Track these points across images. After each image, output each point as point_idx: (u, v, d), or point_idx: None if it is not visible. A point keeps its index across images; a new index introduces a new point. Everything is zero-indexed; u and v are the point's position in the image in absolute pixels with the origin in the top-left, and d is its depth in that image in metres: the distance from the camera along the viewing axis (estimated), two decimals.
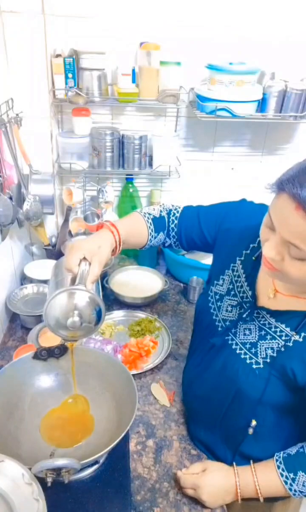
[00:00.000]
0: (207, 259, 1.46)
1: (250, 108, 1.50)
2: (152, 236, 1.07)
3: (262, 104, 1.53)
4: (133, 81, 1.51)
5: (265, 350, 0.87)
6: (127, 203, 1.80)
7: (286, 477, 0.87)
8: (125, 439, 1.00)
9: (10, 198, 1.28)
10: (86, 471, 0.90)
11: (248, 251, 0.95)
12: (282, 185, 0.67)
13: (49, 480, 0.73)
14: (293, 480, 0.86)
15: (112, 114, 1.68)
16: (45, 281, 1.52)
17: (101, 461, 0.91)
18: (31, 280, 1.53)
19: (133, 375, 0.97)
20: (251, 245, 0.95)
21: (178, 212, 1.11)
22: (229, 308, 0.96)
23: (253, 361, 0.89)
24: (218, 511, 0.94)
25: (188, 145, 1.76)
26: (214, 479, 0.93)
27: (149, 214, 1.08)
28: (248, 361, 0.89)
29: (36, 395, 1.00)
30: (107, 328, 1.43)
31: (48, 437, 0.92)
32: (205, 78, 1.56)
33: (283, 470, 0.87)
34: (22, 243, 1.64)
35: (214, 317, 1.00)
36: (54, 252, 1.63)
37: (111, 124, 1.69)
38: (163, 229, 1.08)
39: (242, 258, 0.95)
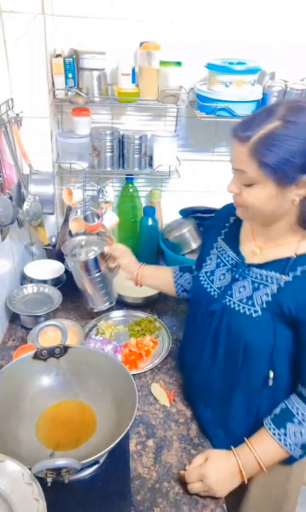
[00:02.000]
0: None
1: (250, 108, 1.50)
2: (178, 275, 1.31)
3: (262, 104, 1.53)
4: (133, 81, 1.51)
5: (261, 298, 0.94)
6: (127, 203, 1.80)
7: (278, 434, 0.92)
8: (125, 439, 1.00)
9: (10, 198, 1.28)
10: (86, 471, 0.90)
11: (226, 229, 1.08)
12: (232, 131, 0.86)
13: (49, 480, 0.73)
14: (285, 434, 0.91)
15: (112, 114, 1.68)
16: (45, 281, 1.52)
17: (101, 461, 0.92)
18: (31, 280, 1.53)
19: (133, 375, 0.97)
20: (227, 224, 1.09)
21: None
22: (221, 277, 1.04)
23: (252, 310, 0.94)
24: (218, 511, 0.94)
25: (188, 145, 1.76)
26: (217, 465, 0.95)
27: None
28: (247, 313, 0.95)
29: (36, 395, 1.00)
30: (107, 328, 1.43)
31: (47, 442, 0.92)
32: (205, 78, 1.56)
33: (274, 429, 0.92)
34: (22, 243, 1.64)
35: (208, 290, 1.05)
36: (54, 252, 1.63)
37: (111, 124, 1.69)
38: (187, 270, 1.31)
39: (223, 236, 1.09)
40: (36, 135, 1.48)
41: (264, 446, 0.93)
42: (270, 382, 0.94)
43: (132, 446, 1.06)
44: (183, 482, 0.98)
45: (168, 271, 1.34)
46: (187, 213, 1.75)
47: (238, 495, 1.16)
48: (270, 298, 0.92)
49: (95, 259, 1.32)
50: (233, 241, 1.05)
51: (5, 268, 1.44)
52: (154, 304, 1.59)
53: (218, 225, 1.11)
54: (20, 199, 1.42)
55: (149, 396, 1.20)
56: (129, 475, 0.94)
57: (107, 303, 1.42)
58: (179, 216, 1.77)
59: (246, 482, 0.94)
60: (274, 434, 0.92)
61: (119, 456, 0.95)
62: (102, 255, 1.33)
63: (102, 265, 1.34)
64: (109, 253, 1.31)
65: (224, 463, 0.95)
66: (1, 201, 1.21)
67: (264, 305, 0.93)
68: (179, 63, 1.49)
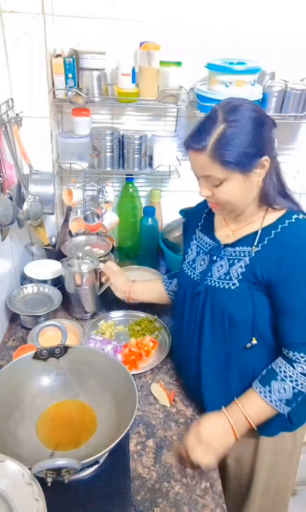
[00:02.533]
0: None
1: None
2: (167, 283, 1.38)
3: (262, 104, 1.53)
4: (133, 81, 1.51)
5: (236, 271, 1.03)
6: (127, 203, 1.80)
7: (264, 392, 0.98)
8: (125, 439, 1.00)
9: (10, 198, 1.28)
10: (86, 471, 0.90)
11: (202, 221, 1.18)
12: (185, 146, 0.96)
13: (49, 480, 0.73)
14: (270, 391, 0.97)
15: (112, 114, 1.68)
16: (45, 281, 1.52)
17: (101, 461, 0.91)
18: (31, 280, 1.53)
19: (133, 375, 0.97)
20: (202, 217, 1.19)
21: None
22: (202, 262, 1.13)
23: (230, 284, 1.03)
24: (218, 511, 0.94)
25: None
26: (211, 423, 1.00)
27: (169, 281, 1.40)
28: (226, 287, 1.03)
29: (36, 395, 1.00)
30: (107, 328, 1.43)
31: (47, 442, 0.92)
32: (205, 78, 1.56)
33: (259, 387, 0.99)
34: (22, 243, 1.64)
35: (192, 276, 1.14)
36: (54, 252, 1.63)
37: (111, 124, 1.69)
38: (175, 275, 1.37)
39: (199, 228, 1.18)
40: (36, 135, 1.48)
41: (251, 404, 0.99)
42: (248, 345, 1.02)
43: (132, 446, 1.06)
44: (181, 473, 0.98)
45: (157, 281, 1.43)
46: (187, 213, 1.75)
47: (241, 494, 1.17)
48: (244, 269, 1.01)
49: (86, 274, 1.43)
50: (209, 229, 1.14)
51: (5, 268, 1.44)
52: (154, 304, 1.58)
53: (194, 221, 1.21)
54: (20, 199, 1.42)
55: (149, 396, 1.20)
56: (129, 475, 0.94)
57: (88, 314, 1.51)
58: (179, 216, 1.77)
59: (238, 438, 0.98)
60: (260, 392, 0.98)
61: (119, 456, 0.95)
62: (95, 270, 1.45)
63: (91, 279, 1.45)
64: (102, 271, 1.42)
65: (216, 420, 1.00)
66: (1, 201, 1.21)
67: (240, 277, 1.01)
68: (179, 63, 1.49)
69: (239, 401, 1.00)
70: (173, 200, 1.85)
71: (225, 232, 1.10)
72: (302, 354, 0.96)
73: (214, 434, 0.98)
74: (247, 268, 1.00)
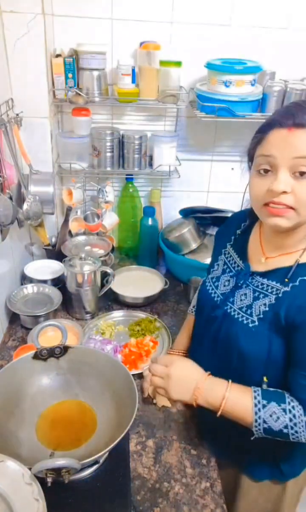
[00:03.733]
0: (207, 259, 1.46)
1: (250, 108, 1.50)
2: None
3: (262, 104, 1.53)
4: (133, 81, 1.51)
5: (259, 308, 0.93)
6: (127, 203, 1.80)
7: (259, 401, 0.87)
8: (125, 439, 1.00)
9: (10, 198, 1.28)
10: (86, 471, 0.90)
11: (236, 236, 1.07)
12: (269, 126, 0.82)
13: (49, 480, 0.73)
14: (264, 406, 0.86)
15: (112, 114, 1.68)
16: (45, 281, 1.52)
17: (101, 461, 0.91)
18: (31, 280, 1.53)
19: (133, 375, 0.97)
20: (238, 231, 1.07)
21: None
22: (226, 283, 1.03)
23: (249, 320, 0.94)
24: (218, 511, 0.94)
25: (188, 145, 1.76)
26: (185, 365, 0.96)
27: (193, 306, 1.25)
28: (244, 321, 0.94)
29: (36, 395, 1.00)
30: (107, 328, 1.43)
31: (47, 442, 0.92)
32: (205, 78, 1.56)
33: (258, 395, 0.88)
34: (22, 243, 1.64)
35: (212, 295, 1.05)
36: (54, 252, 1.63)
37: (111, 124, 1.69)
38: None
39: (232, 242, 1.07)
40: (36, 135, 1.48)
41: (238, 395, 0.89)
42: (264, 387, 0.92)
43: (132, 446, 1.06)
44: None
45: (189, 320, 1.27)
46: (187, 213, 1.75)
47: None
48: (267, 308, 0.91)
49: (88, 274, 1.44)
50: (241, 248, 1.04)
51: (5, 268, 1.44)
52: (154, 304, 1.59)
53: (229, 232, 1.10)
54: (20, 199, 1.42)
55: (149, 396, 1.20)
56: (129, 475, 0.94)
57: (88, 314, 1.50)
58: (179, 216, 1.77)
59: (195, 403, 0.91)
60: (255, 398, 0.88)
61: (119, 456, 0.95)
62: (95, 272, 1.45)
63: (92, 279, 1.45)
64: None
65: (192, 371, 0.94)
66: (1, 201, 1.21)
67: (261, 315, 0.92)
68: (179, 63, 1.49)
69: (231, 384, 0.91)
70: (173, 200, 1.85)
71: (258, 257, 0.98)
72: None
73: (178, 376, 0.93)
74: (270, 308, 0.90)
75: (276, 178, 0.81)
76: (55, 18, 1.46)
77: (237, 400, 0.89)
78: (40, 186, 1.47)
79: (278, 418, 0.85)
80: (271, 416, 0.86)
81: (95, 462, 0.90)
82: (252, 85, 1.48)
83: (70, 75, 1.48)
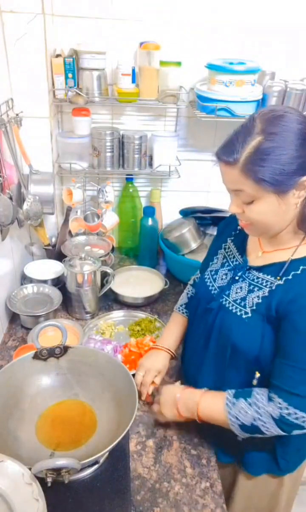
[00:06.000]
0: None
1: (250, 108, 1.50)
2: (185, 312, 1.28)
3: (262, 104, 1.53)
4: (133, 81, 1.51)
5: (252, 300, 0.96)
6: (127, 203, 1.80)
7: (230, 401, 0.95)
8: (125, 439, 1.00)
9: (10, 198, 1.28)
10: (86, 471, 0.89)
11: (237, 231, 1.10)
12: (216, 156, 0.87)
13: (49, 480, 0.73)
14: (233, 404, 0.94)
15: (112, 114, 1.68)
16: (45, 281, 1.52)
17: (101, 461, 0.91)
18: (31, 280, 1.53)
19: (133, 375, 0.97)
20: (239, 227, 1.07)
21: (193, 281, 1.33)
22: (223, 276, 1.06)
23: (243, 312, 0.97)
24: (218, 511, 0.94)
25: (188, 145, 1.76)
26: (170, 389, 1.08)
27: (181, 305, 1.30)
28: (238, 313, 0.98)
29: (36, 395, 1.00)
30: (107, 328, 1.43)
31: (47, 442, 0.92)
32: (205, 78, 1.56)
33: (229, 395, 0.96)
34: (22, 243, 1.64)
35: (209, 288, 1.08)
36: (54, 252, 1.63)
37: (111, 124, 1.69)
38: None
39: (233, 238, 1.11)
40: (36, 135, 1.48)
41: (212, 400, 0.98)
42: (254, 382, 0.96)
43: (132, 446, 1.06)
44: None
45: (179, 326, 1.28)
46: (187, 213, 1.75)
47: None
48: (260, 300, 0.94)
49: (88, 274, 1.44)
50: (241, 243, 1.07)
51: (5, 268, 1.44)
52: (154, 304, 1.59)
53: (230, 228, 1.13)
54: (20, 199, 1.42)
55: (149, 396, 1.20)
56: (129, 475, 0.94)
57: (88, 314, 1.50)
58: (179, 216, 1.77)
59: (182, 416, 1.03)
60: (227, 398, 0.95)
61: (119, 456, 0.95)
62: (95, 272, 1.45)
63: (92, 279, 1.46)
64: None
65: (174, 389, 1.06)
66: (1, 201, 1.21)
67: (254, 307, 0.95)
68: (179, 63, 1.49)
69: (205, 392, 1.01)
70: (173, 200, 1.85)
71: (256, 252, 1.02)
72: (281, 401, 0.89)
73: (165, 399, 1.06)
74: (263, 300, 0.94)
75: (231, 201, 0.92)
76: (55, 18, 1.46)
77: (212, 403, 0.98)
78: (40, 186, 1.47)
79: (246, 412, 0.92)
80: (240, 412, 0.92)
81: (95, 462, 0.90)
82: (252, 85, 1.48)
83: (70, 75, 1.48)
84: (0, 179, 1.24)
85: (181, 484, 0.99)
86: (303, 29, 1.56)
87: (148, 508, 0.93)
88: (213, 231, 1.74)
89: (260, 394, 0.92)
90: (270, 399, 0.91)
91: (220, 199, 1.87)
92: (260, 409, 0.90)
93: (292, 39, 1.57)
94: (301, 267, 0.90)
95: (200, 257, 1.63)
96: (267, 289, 0.94)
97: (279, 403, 0.89)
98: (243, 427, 0.93)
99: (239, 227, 1.10)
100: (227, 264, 1.07)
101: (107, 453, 0.89)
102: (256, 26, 1.54)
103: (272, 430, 0.91)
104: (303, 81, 1.57)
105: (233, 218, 1.13)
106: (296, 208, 0.87)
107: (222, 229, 1.18)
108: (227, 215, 1.54)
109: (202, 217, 1.73)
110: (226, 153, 0.83)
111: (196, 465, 1.04)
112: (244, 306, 0.97)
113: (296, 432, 0.90)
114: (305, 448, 1.08)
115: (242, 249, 1.06)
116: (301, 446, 1.06)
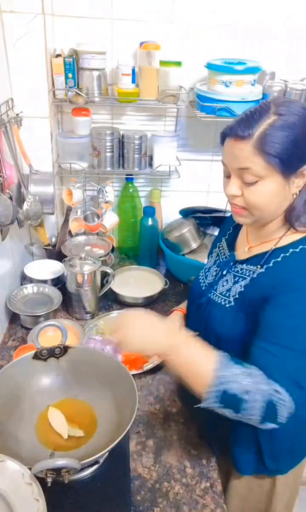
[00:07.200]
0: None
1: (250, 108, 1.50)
2: None
3: None
4: (133, 81, 1.51)
5: (236, 290, 0.98)
6: (127, 203, 1.80)
7: (222, 361, 0.81)
8: (125, 439, 1.00)
9: (10, 198, 1.28)
10: (86, 471, 0.90)
11: (231, 230, 1.13)
12: (223, 135, 0.89)
13: (49, 480, 0.73)
14: (226, 366, 0.81)
15: (112, 114, 1.68)
16: (45, 281, 1.52)
17: (101, 461, 0.91)
18: (31, 280, 1.53)
19: (133, 375, 0.97)
20: (233, 225, 1.13)
21: None
22: (214, 273, 1.10)
23: (227, 301, 0.99)
24: (218, 511, 0.94)
25: (188, 145, 1.76)
26: (145, 316, 0.90)
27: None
28: (223, 303, 1.00)
29: (36, 395, 1.00)
30: (107, 328, 1.43)
31: (47, 442, 0.92)
32: (205, 78, 1.56)
33: (223, 357, 0.83)
34: (22, 243, 1.64)
35: (201, 284, 1.12)
36: (54, 252, 1.63)
37: (111, 124, 1.69)
38: None
39: (226, 237, 1.14)
40: (36, 135, 1.48)
41: (202, 346, 0.85)
42: None
43: (132, 446, 1.06)
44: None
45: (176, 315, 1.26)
46: (187, 213, 1.75)
47: None
48: (243, 289, 0.96)
49: (88, 274, 1.44)
50: (232, 241, 1.10)
51: (5, 268, 1.44)
52: (154, 304, 1.59)
53: (225, 228, 1.17)
54: (20, 199, 1.42)
55: (149, 396, 1.20)
56: (129, 475, 0.94)
57: (88, 314, 1.50)
58: (179, 216, 1.77)
59: (152, 342, 0.86)
60: (221, 356, 0.83)
61: (119, 456, 0.95)
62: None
63: (92, 279, 1.45)
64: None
65: (152, 317, 0.89)
66: (1, 201, 1.21)
67: (237, 296, 0.97)
68: (179, 63, 1.49)
69: (194, 340, 0.88)
70: (173, 200, 1.85)
71: (243, 247, 1.04)
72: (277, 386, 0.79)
73: (140, 315, 0.90)
74: (246, 289, 0.95)
75: (229, 183, 0.90)
76: (55, 18, 1.46)
77: (201, 348, 0.85)
78: (40, 186, 1.47)
79: (238, 381, 0.79)
80: (231, 376, 0.79)
81: (95, 462, 0.90)
82: (252, 85, 1.48)
83: (70, 75, 1.48)
84: (0, 179, 1.24)
85: (181, 484, 0.99)
86: (303, 29, 1.56)
87: (148, 508, 0.93)
88: (213, 231, 1.74)
89: (254, 371, 0.81)
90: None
91: (220, 199, 1.87)
92: (257, 384, 0.79)
93: (292, 39, 1.57)
94: (281, 255, 0.92)
95: (200, 257, 1.64)
96: (249, 278, 0.96)
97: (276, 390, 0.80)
98: (224, 395, 0.78)
99: (233, 225, 1.12)
100: (218, 261, 1.11)
101: (107, 453, 0.89)
102: (256, 26, 1.54)
103: (254, 413, 0.79)
104: (303, 81, 1.57)
105: (230, 218, 1.16)
106: (292, 198, 0.89)
107: (221, 229, 1.21)
108: (227, 215, 1.54)
109: (202, 217, 1.73)
110: (241, 128, 0.84)
111: (196, 465, 1.04)
112: (228, 296, 0.99)
113: (269, 425, 0.81)
114: (298, 449, 1.07)
115: (231, 245, 1.09)
116: (291, 446, 1.03)
